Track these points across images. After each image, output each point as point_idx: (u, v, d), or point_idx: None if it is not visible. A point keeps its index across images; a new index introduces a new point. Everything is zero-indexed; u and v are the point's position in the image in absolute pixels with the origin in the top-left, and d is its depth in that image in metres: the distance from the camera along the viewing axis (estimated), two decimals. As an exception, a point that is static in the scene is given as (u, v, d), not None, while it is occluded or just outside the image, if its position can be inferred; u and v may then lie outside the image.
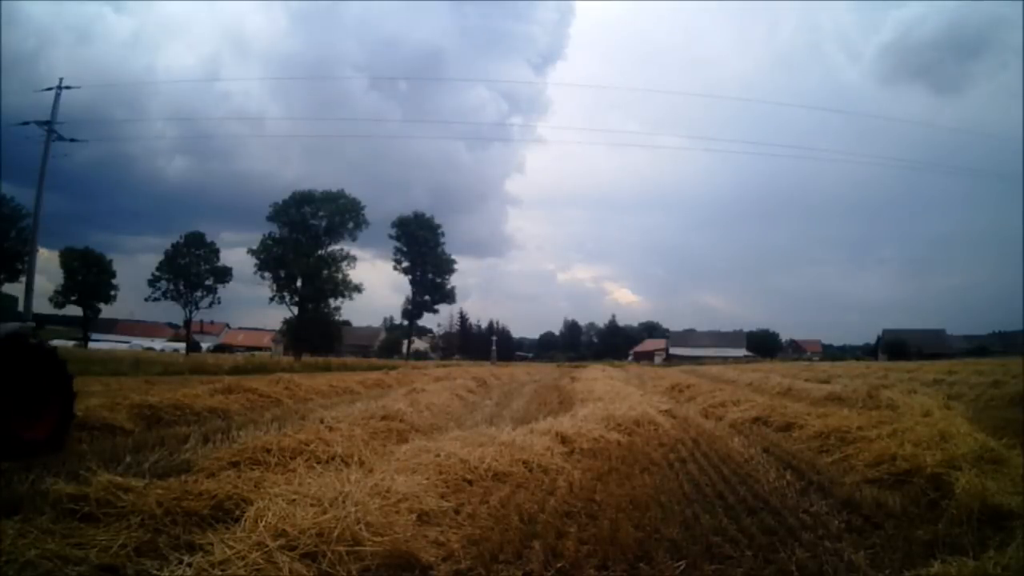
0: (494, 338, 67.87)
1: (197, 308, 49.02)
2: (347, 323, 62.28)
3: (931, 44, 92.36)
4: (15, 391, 5.64)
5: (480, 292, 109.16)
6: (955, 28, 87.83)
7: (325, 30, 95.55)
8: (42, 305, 41.09)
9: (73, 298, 46.54)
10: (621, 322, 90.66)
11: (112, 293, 49.25)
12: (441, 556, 3.53)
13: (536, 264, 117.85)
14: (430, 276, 58.42)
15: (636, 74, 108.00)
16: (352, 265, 49.19)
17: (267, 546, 3.24)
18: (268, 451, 5.52)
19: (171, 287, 47.63)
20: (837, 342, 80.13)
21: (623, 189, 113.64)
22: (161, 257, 48.24)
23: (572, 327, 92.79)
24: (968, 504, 4.05)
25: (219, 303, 50.11)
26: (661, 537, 3.86)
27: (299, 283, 47.63)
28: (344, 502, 3.78)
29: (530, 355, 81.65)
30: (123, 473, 4.50)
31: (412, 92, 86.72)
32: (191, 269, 48.29)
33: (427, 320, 68.58)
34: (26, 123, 24.61)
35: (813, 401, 11.89)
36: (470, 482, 5.12)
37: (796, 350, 77.51)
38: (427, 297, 59.23)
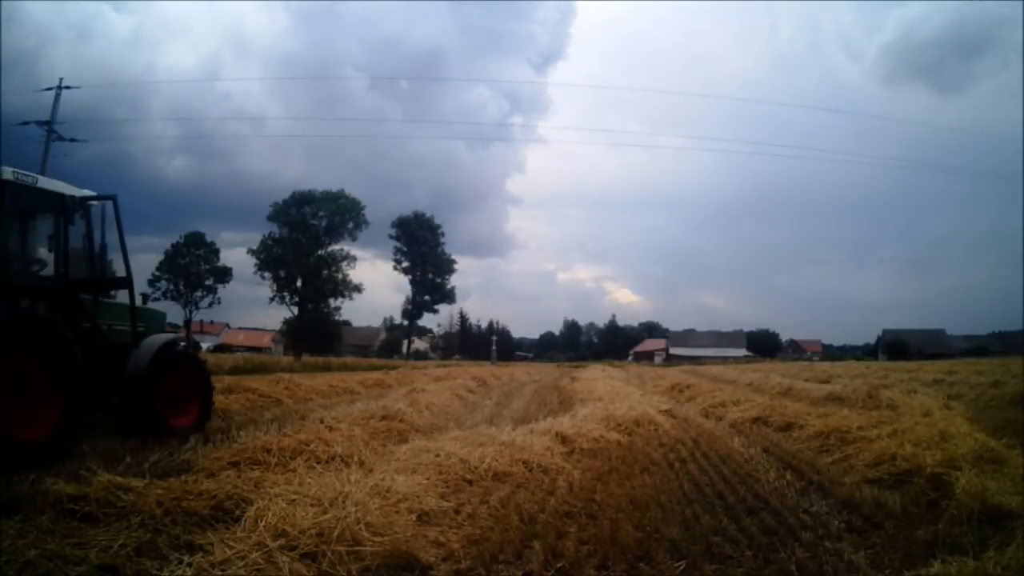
0: (494, 338, 67.90)
1: (197, 308, 48.97)
2: (347, 323, 62.34)
3: (933, 43, 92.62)
4: (170, 388, 7.14)
5: (480, 292, 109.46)
6: (957, 27, 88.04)
7: (325, 30, 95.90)
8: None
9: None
10: (621, 322, 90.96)
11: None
12: (441, 556, 3.52)
13: (536, 264, 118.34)
14: (430, 276, 58.45)
15: (636, 74, 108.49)
16: (352, 265, 49.20)
17: (267, 546, 3.24)
18: (268, 451, 5.52)
19: (171, 287, 47.64)
20: (837, 342, 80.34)
21: (623, 189, 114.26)
22: (161, 257, 48.27)
23: (572, 327, 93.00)
24: (968, 504, 4.05)
25: (219, 303, 50.21)
26: (661, 537, 3.85)
27: (299, 283, 47.61)
28: (344, 502, 3.78)
29: (530, 355, 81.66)
30: (123, 473, 4.49)
31: (413, 92, 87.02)
32: (191, 269, 48.31)
33: (427, 320, 68.68)
34: (26, 123, 24.57)
35: (813, 401, 11.87)
36: (470, 482, 5.12)
37: (796, 350, 77.54)
38: (427, 297, 59.27)
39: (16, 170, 6.01)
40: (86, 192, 6.78)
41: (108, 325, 6.87)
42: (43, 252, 6.46)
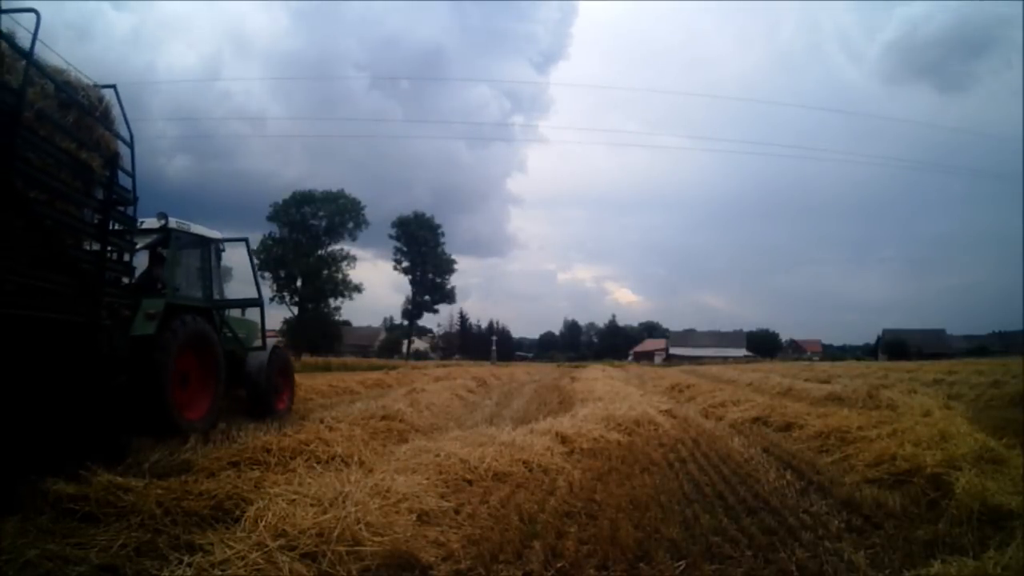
0: (494, 338, 67.88)
1: (197, 308, 48.96)
2: (347, 323, 62.38)
3: (935, 42, 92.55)
4: (275, 382, 9.41)
5: (480, 292, 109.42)
6: (960, 26, 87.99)
7: (326, 29, 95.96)
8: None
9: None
10: (621, 322, 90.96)
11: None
12: (441, 556, 3.52)
13: (537, 264, 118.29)
14: (430, 276, 58.50)
15: (637, 74, 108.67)
16: (352, 265, 49.25)
17: (267, 546, 3.24)
18: (268, 451, 5.53)
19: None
20: (837, 342, 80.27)
21: (624, 189, 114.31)
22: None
23: (572, 327, 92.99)
24: (968, 504, 4.04)
25: (219, 303, 50.13)
26: (661, 537, 3.85)
27: (299, 283, 47.63)
28: (344, 502, 3.78)
29: (530, 355, 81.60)
30: (123, 473, 4.49)
31: (414, 91, 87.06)
32: (191, 269, 48.19)
33: (427, 320, 68.75)
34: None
35: (813, 401, 11.86)
36: (470, 482, 5.12)
37: (796, 350, 77.49)
38: (427, 297, 59.33)
39: (178, 220, 7.70)
40: (215, 234, 8.72)
41: (234, 333, 8.93)
42: (195, 280, 8.21)
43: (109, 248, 5.35)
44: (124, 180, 5.52)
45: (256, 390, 8.96)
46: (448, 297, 60.71)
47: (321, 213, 48.36)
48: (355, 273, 51.73)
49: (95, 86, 5.18)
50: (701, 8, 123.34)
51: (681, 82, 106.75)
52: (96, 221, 5.17)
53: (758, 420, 9.08)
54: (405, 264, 57.87)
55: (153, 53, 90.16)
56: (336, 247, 48.95)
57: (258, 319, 9.88)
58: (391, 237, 57.60)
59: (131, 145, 5.53)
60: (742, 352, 69.49)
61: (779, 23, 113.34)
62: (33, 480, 4.13)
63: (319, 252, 47.92)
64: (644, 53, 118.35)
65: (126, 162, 5.52)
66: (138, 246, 6.81)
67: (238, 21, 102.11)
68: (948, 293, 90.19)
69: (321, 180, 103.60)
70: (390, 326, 75.35)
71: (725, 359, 56.90)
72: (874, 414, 8.21)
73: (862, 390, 11.68)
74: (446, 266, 59.22)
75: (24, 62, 4.15)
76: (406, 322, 63.01)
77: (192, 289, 8.11)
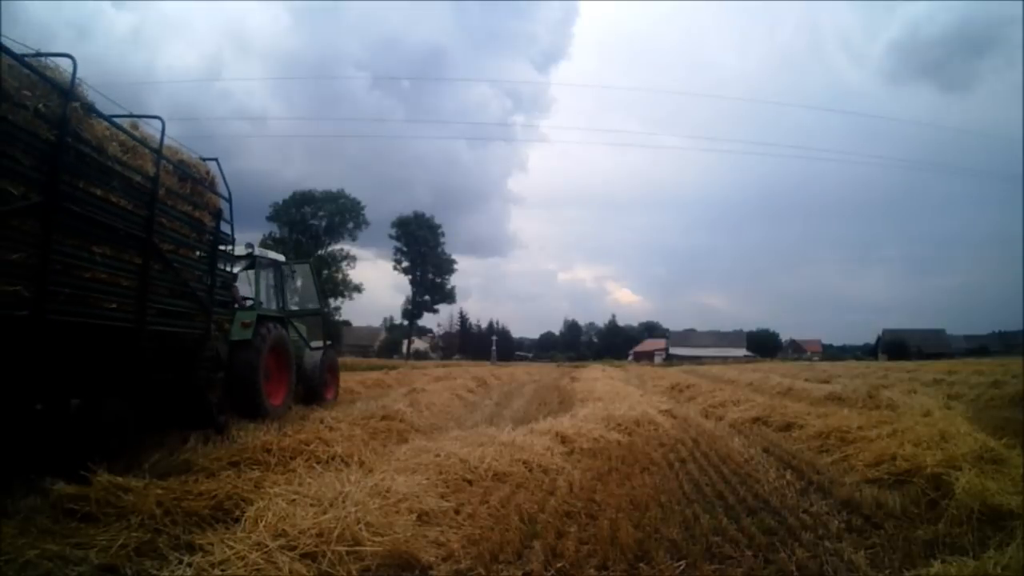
0: (494, 338, 67.78)
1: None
2: (347, 323, 62.37)
3: (938, 41, 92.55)
4: (324, 376, 10.93)
5: (480, 292, 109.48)
6: (962, 25, 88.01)
7: (327, 28, 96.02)
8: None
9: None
10: (621, 322, 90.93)
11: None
12: (441, 556, 3.52)
13: (537, 264, 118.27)
14: (430, 276, 58.52)
15: (638, 74, 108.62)
16: (352, 265, 49.30)
17: (267, 546, 3.24)
18: (268, 451, 5.53)
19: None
20: (837, 342, 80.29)
21: (625, 189, 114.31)
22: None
23: (572, 327, 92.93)
24: (968, 504, 4.04)
25: (219, 303, 50.19)
26: (661, 537, 3.85)
27: (299, 283, 47.59)
28: (344, 502, 3.78)
29: (530, 355, 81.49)
30: (123, 473, 4.49)
31: (414, 91, 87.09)
32: (191, 269, 48.16)
33: (427, 320, 68.73)
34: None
35: (813, 401, 11.84)
36: (470, 482, 5.11)
37: (796, 350, 77.45)
38: (427, 297, 59.34)
39: (259, 247, 9.50)
40: (282, 257, 10.64)
41: (299, 335, 10.58)
42: (273, 295, 9.84)
43: (216, 278, 6.74)
44: (224, 227, 6.91)
45: (310, 383, 10.44)
46: (448, 297, 60.81)
47: (321, 213, 48.42)
48: (355, 273, 51.86)
49: (201, 159, 6.56)
50: (702, 8, 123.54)
51: (682, 82, 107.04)
52: (206, 259, 6.61)
53: (758, 420, 9.07)
54: (405, 264, 57.97)
55: (153, 53, 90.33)
56: (336, 247, 49.05)
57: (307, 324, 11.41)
58: (391, 237, 57.72)
59: (229, 201, 6.93)
60: (742, 352, 69.41)
61: (780, 23, 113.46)
62: (33, 480, 4.13)
63: (319, 252, 47.91)
64: (645, 53, 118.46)
65: (226, 214, 6.86)
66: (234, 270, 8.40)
67: (238, 21, 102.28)
68: (948, 293, 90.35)
69: (322, 180, 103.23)
70: (390, 326, 75.33)
71: (725, 359, 56.81)
72: (874, 414, 8.21)
73: (862, 390, 11.68)
74: (446, 266, 59.31)
75: (149, 150, 5.26)
76: (406, 322, 63.07)
77: (271, 302, 9.74)
